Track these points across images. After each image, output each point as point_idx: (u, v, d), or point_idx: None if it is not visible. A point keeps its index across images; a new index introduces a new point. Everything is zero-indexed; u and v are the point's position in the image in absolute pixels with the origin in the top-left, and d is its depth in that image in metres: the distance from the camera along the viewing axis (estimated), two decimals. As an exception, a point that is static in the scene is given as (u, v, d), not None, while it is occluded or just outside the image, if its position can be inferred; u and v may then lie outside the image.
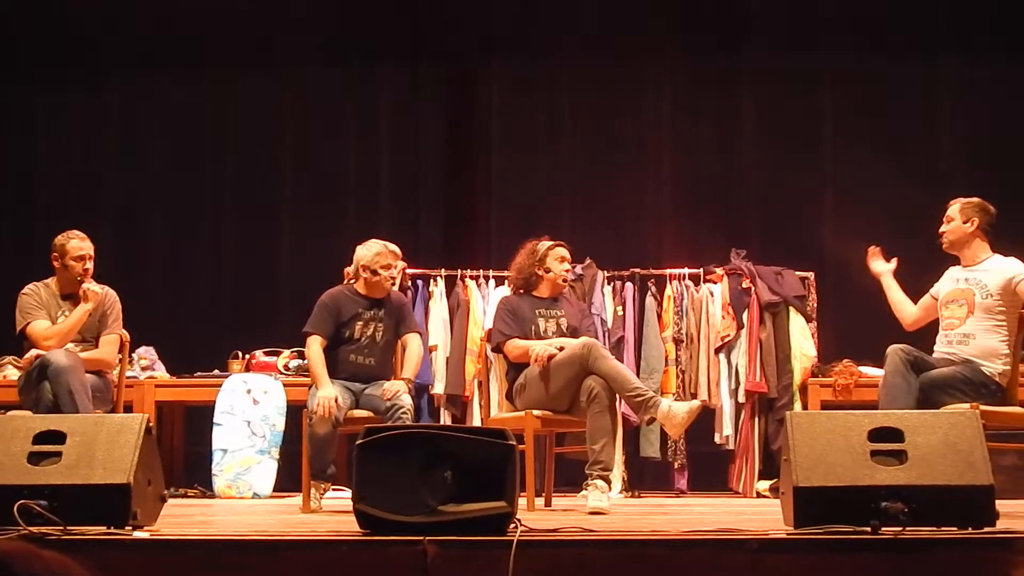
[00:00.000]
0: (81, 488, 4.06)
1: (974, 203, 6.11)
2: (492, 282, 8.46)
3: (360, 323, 6.42)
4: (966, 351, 5.93)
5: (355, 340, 6.41)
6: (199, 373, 8.38)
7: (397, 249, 6.58)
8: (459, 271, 8.52)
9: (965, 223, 6.07)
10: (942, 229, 6.15)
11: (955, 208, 6.13)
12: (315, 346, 6.34)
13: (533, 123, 9.74)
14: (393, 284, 6.57)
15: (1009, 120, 9.29)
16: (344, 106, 9.76)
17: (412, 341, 6.53)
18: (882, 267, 6.45)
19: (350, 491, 4.14)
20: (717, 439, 8.31)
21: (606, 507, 5.67)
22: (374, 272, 6.45)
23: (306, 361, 6.71)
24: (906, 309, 6.32)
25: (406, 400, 6.12)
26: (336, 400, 6.06)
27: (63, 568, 1.69)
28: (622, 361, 7.39)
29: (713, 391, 8.28)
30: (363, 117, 9.74)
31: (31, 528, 3.82)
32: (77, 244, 6.51)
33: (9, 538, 3.73)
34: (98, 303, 6.45)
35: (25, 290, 6.51)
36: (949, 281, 6.16)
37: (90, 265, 6.51)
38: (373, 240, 6.57)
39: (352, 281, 6.62)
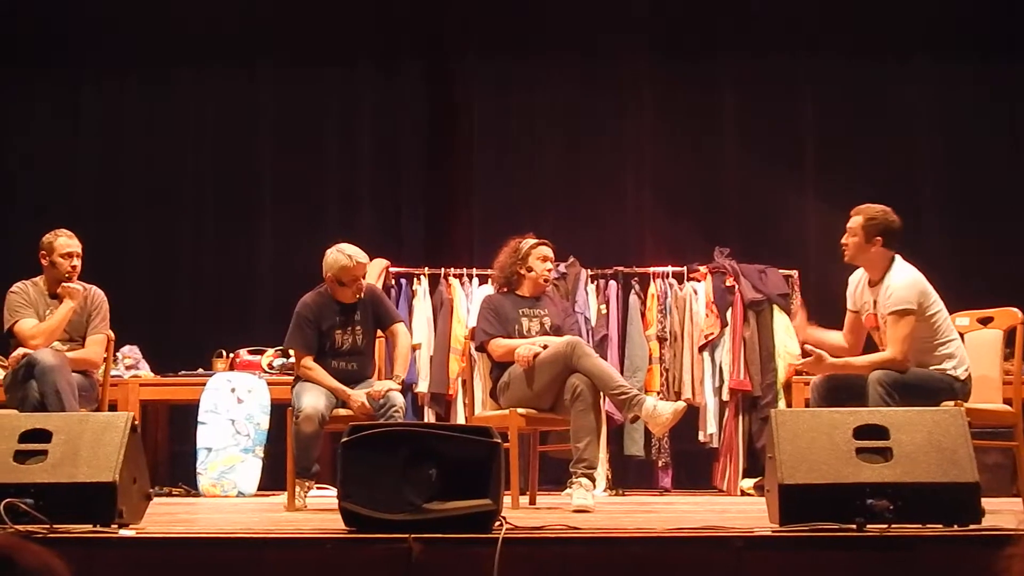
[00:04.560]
0: (67, 486, 4.06)
1: (877, 220, 5.75)
2: (475, 280, 8.46)
3: (339, 331, 6.31)
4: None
5: (336, 349, 6.31)
6: (183, 372, 8.37)
7: (363, 257, 6.33)
8: (442, 269, 8.51)
9: (868, 243, 5.75)
10: (844, 241, 5.81)
11: (857, 222, 5.78)
12: (311, 364, 6.25)
13: (515, 121, 9.71)
14: (360, 293, 6.34)
15: (986, 121, 9.32)
16: (325, 104, 9.71)
17: (399, 334, 6.42)
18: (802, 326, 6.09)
19: (335, 489, 4.14)
20: (701, 437, 8.32)
21: (590, 505, 5.67)
22: (340, 283, 6.31)
23: (293, 363, 6.64)
24: (839, 343, 5.94)
25: (398, 399, 6.06)
26: (367, 394, 6.06)
27: (49, 559, 1.70)
28: (606, 359, 7.39)
29: (697, 389, 8.28)
30: (344, 115, 9.69)
31: (17, 526, 3.82)
32: (65, 241, 6.48)
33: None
34: (81, 300, 6.44)
35: (13, 288, 6.49)
36: (860, 295, 5.92)
37: (77, 263, 6.48)
38: (338, 250, 6.31)
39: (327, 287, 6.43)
